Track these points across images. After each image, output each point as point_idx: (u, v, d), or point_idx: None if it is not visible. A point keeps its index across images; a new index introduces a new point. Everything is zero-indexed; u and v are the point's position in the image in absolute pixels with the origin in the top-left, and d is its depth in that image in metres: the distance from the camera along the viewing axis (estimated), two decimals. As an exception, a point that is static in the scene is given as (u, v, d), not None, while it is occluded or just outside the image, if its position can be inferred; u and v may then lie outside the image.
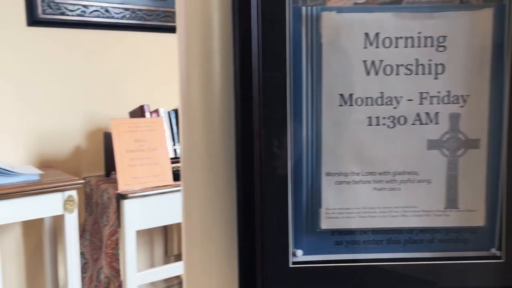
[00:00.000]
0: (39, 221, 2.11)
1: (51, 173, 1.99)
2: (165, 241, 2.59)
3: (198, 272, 0.61)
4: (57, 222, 2.09)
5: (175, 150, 2.25)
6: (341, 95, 0.46)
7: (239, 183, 0.47)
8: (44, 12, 2.08)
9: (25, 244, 2.16)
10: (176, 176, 2.07)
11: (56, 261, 2.13)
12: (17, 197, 1.75)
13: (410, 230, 0.48)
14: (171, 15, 2.45)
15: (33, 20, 2.06)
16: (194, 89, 0.60)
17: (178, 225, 2.56)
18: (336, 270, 0.48)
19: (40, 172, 1.88)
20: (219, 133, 0.56)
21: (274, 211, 0.47)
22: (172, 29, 2.47)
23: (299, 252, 0.48)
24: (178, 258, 2.58)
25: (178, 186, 2.03)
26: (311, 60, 0.46)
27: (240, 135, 0.46)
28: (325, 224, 0.48)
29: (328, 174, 0.47)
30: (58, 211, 1.87)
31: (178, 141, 2.26)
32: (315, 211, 0.48)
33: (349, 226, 0.48)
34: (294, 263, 0.48)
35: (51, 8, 2.10)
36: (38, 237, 2.16)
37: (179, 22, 0.62)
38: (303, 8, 0.45)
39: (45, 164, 2.15)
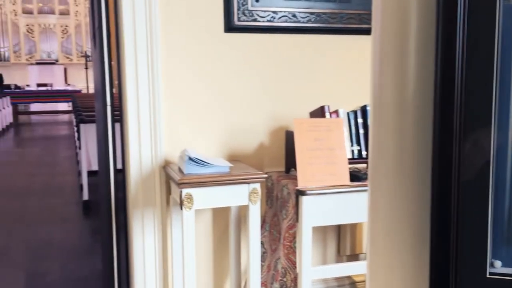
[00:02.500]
0: (226, 210, 2.32)
1: (238, 166, 2.17)
2: (338, 240, 2.61)
3: (382, 276, 0.61)
4: (242, 212, 2.27)
5: (352, 150, 2.26)
6: (558, 97, 0.42)
7: (435, 187, 0.46)
8: (239, 19, 2.28)
9: (214, 229, 2.40)
10: (353, 176, 2.07)
11: (239, 247, 2.32)
12: (211, 185, 1.95)
13: None
14: (355, 17, 2.46)
15: (230, 26, 2.28)
16: (387, 90, 0.60)
17: (352, 225, 2.55)
18: (542, 288, 0.44)
19: (230, 164, 2.07)
20: (412, 134, 0.55)
21: (472, 217, 0.45)
22: (355, 31, 2.47)
23: (498, 263, 0.45)
24: (350, 258, 2.58)
25: (355, 186, 2.03)
26: (522, 60, 0.43)
27: (438, 137, 0.46)
28: (531, 236, 0.44)
29: (537, 182, 0.44)
30: (244, 201, 2.03)
31: (357, 142, 2.26)
32: (519, 222, 0.44)
33: (560, 242, 0.43)
34: (491, 274, 0.46)
35: (245, 16, 2.29)
36: (225, 224, 2.38)
37: (375, 23, 0.63)
38: (516, 5, 0.43)
39: (232, 158, 2.35)
